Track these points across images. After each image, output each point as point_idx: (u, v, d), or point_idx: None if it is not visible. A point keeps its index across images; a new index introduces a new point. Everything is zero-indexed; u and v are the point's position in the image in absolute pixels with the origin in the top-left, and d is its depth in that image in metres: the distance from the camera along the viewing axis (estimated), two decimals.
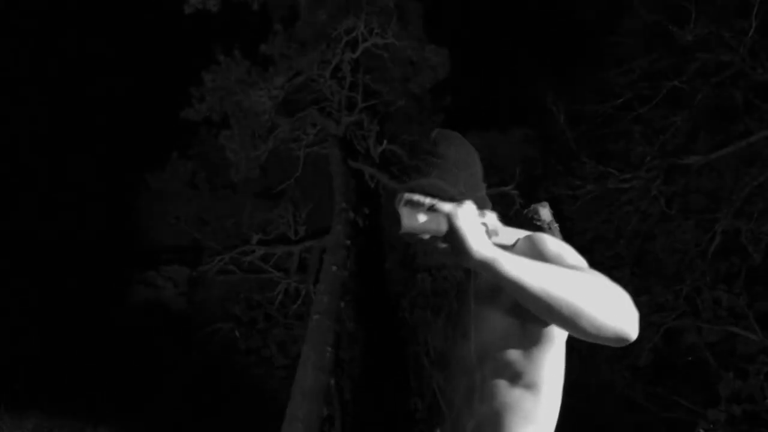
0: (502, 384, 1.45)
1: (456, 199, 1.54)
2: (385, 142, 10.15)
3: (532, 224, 1.62)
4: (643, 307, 9.17)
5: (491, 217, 1.59)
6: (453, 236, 1.28)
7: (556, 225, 1.47)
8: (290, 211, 11.15)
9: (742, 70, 8.46)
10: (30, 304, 11.77)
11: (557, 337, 1.47)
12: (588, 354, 9.98)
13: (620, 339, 1.26)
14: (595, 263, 1.37)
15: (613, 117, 9.22)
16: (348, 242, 9.95)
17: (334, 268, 9.77)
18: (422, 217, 1.45)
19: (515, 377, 1.45)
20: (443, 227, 1.29)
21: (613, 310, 1.24)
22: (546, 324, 1.44)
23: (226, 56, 9.79)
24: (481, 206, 1.57)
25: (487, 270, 1.27)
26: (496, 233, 1.52)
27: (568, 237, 1.51)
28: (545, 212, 1.63)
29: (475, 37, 11.15)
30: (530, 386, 1.45)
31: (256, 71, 9.84)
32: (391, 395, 12.01)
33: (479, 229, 1.26)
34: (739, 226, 8.72)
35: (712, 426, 8.73)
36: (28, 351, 11.41)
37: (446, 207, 1.52)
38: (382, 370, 12.10)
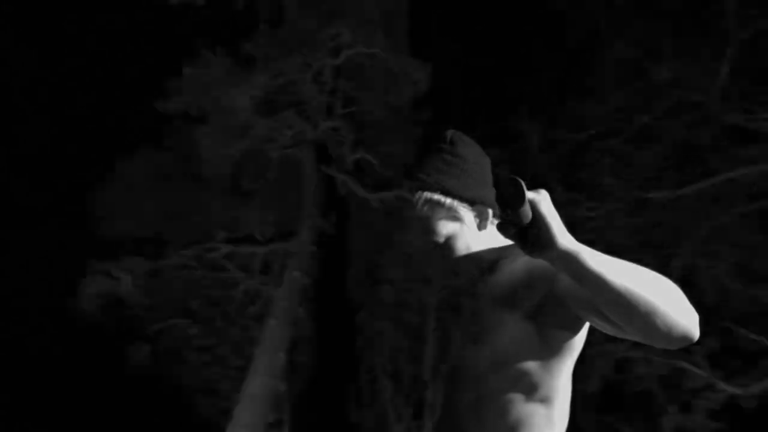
0: (517, 397, 1.36)
1: (476, 201, 1.51)
2: (360, 150, 10.17)
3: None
4: (598, 336, 9.32)
5: None
6: (537, 225, 1.13)
7: None
8: (259, 211, 11.07)
9: (712, 111, 8.70)
10: None
11: (577, 347, 1.40)
12: None
13: (687, 338, 1.20)
14: None
15: (584, 146, 9.40)
16: (313, 248, 9.93)
17: (297, 273, 9.73)
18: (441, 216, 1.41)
19: (531, 390, 1.37)
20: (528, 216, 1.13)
21: (682, 308, 1.18)
22: (569, 331, 1.36)
23: (208, 51, 9.73)
24: (495, 212, 1.55)
25: (569, 263, 1.15)
26: None
27: None
28: None
29: (458, 56, 11.27)
30: (545, 400, 1.38)
31: (237, 69, 9.79)
32: (341, 404, 11.96)
33: (559, 220, 1.14)
34: (698, 263, 8.94)
35: None
36: None
37: (466, 210, 1.49)
38: (334, 378, 12.04)
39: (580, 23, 9.38)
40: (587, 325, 1.38)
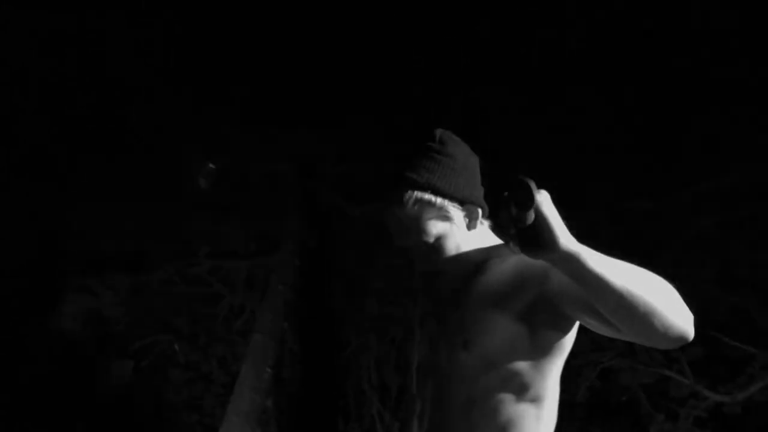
0: (508, 398, 1.36)
1: (465, 201, 1.51)
2: (342, 163, 10.17)
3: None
4: (583, 345, 9.36)
5: None
6: (540, 226, 1.12)
7: None
8: (242, 225, 11.01)
9: (692, 120, 8.80)
10: None
11: (567, 346, 1.41)
12: None
13: (683, 338, 1.21)
14: None
15: (565, 155, 9.46)
16: (297, 262, 9.88)
17: (281, 286, 9.68)
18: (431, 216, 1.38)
19: (522, 390, 1.37)
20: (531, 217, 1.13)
21: (679, 308, 1.21)
22: (560, 331, 1.37)
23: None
24: (485, 212, 1.54)
25: (570, 264, 1.15)
26: None
27: None
28: None
29: (442, 67, 11.33)
30: (535, 400, 1.39)
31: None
32: (329, 418, 11.87)
33: (561, 221, 1.14)
34: (680, 273, 9.01)
35: None
36: None
37: (456, 210, 1.47)
38: (322, 392, 11.96)
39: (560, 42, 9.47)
40: (577, 324, 1.39)
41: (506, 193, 1.11)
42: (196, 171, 9.90)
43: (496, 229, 1.18)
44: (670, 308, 1.19)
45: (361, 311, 11.19)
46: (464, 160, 1.56)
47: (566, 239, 1.14)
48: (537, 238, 1.12)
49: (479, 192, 1.55)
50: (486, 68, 10.47)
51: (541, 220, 1.11)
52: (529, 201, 1.07)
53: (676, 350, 9.17)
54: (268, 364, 9.35)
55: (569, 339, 1.40)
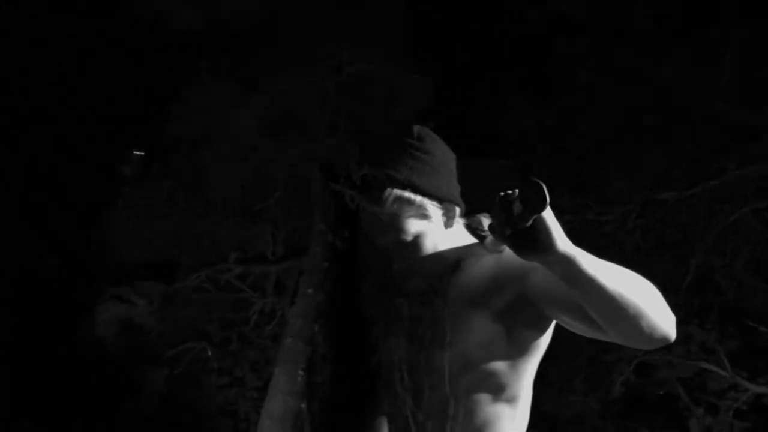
0: (485, 398, 1.36)
1: (444, 199, 1.49)
2: (366, 165, 10.17)
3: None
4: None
5: (486, 221, 1.53)
6: (538, 228, 1.10)
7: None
8: (269, 230, 11.09)
9: (717, 110, 8.65)
10: None
11: (543, 346, 1.40)
12: (559, 385, 9.99)
13: (666, 340, 1.21)
14: None
15: (591, 150, 9.37)
16: (325, 264, 9.91)
17: (310, 290, 9.72)
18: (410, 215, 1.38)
19: (498, 390, 1.36)
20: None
21: (663, 310, 1.19)
22: (538, 330, 1.36)
23: (210, 75, 9.80)
24: (462, 211, 1.53)
25: (566, 266, 1.13)
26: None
27: None
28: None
29: (459, 66, 11.28)
30: (511, 400, 1.38)
31: (239, 91, 9.85)
32: (363, 420, 11.88)
33: (558, 224, 1.13)
34: (713, 262, 8.86)
35: None
36: None
37: (435, 208, 1.47)
38: (354, 394, 11.98)
39: (583, 28, 9.38)
40: (553, 324, 1.38)
41: (510, 193, 1.08)
42: (121, 160, 9.72)
43: (492, 230, 1.14)
44: (656, 310, 1.18)
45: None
46: (442, 157, 1.54)
47: (563, 242, 1.12)
48: (535, 240, 1.11)
49: (456, 190, 1.53)
50: (501, 66, 10.43)
51: (540, 221, 1.10)
52: (542, 201, 1.06)
53: (713, 342, 9.02)
54: (300, 367, 9.39)
55: (545, 339, 1.39)
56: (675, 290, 9.04)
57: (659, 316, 1.18)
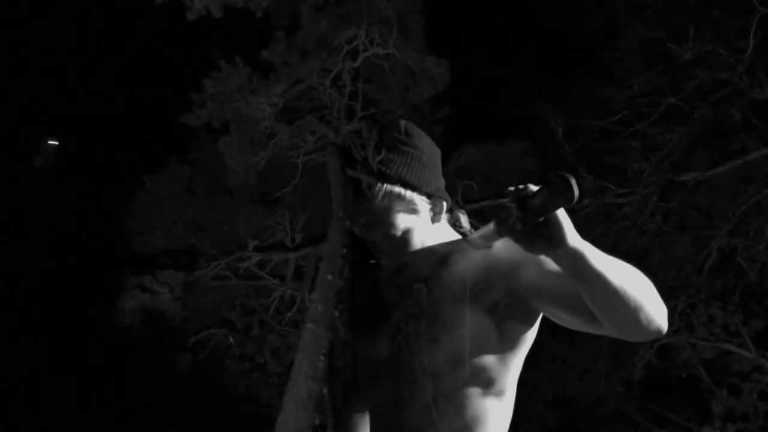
0: (475, 392, 1.35)
1: (432, 194, 1.49)
2: (383, 151, 10.15)
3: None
4: None
5: (465, 219, 1.54)
6: (550, 222, 1.10)
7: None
8: (287, 218, 11.13)
9: (739, 88, 8.51)
10: (23, 308, 11.74)
11: (530, 339, 1.40)
12: (581, 369, 9.97)
13: (660, 332, 1.23)
14: None
15: (611, 132, 9.27)
16: (344, 251, 9.94)
17: (330, 276, 9.75)
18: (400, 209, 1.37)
19: (488, 384, 1.36)
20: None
21: (658, 302, 1.21)
22: (527, 324, 1.37)
23: (227, 62, 9.81)
24: (449, 206, 1.52)
25: (574, 260, 1.14)
26: (471, 233, 1.44)
27: None
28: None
29: (476, 49, 11.20)
30: (499, 393, 1.38)
31: (256, 78, 9.85)
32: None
33: (568, 218, 1.13)
34: (735, 243, 8.75)
35: None
36: (21, 356, 11.36)
37: (424, 202, 1.46)
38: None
39: (600, 6, 9.24)
40: (540, 317, 1.38)
41: (522, 187, 1.08)
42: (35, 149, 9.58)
43: (499, 224, 1.13)
44: (652, 303, 1.19)
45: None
46: (429, 152, 1.53)
47: (573, 235, 1.13)
48: (547, 234, 1.11)
49: (442, 185, 1.53)
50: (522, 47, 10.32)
51: (554, 216, 1.10)
52: (571, 194, 1.05)
53: (736, 323, 8.93)
54: (322, 353, 9.46)
55: (533, 332, 1.39)
56: (697, 272, 8.95)
57: (655, 309, 1.20)
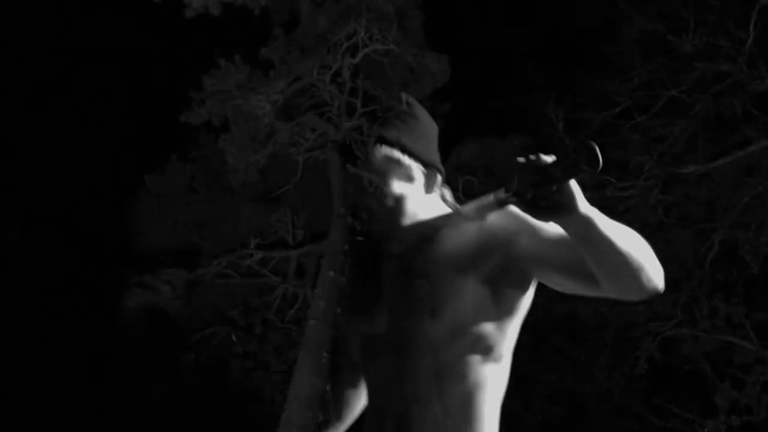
0: (475, 360, 1.38)
1: (429, 164, 1.50)
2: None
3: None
4: (641, 315, 9.17)
5: (448, 193, 1.55)
6: (565, 189, 1.12)
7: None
8: (289, 215, 11.13)
9: (740, 80, 8.48)
10: (24, 307, 11.74)
11: (526, 305, 1.42)
12: (584, 362, 9.97)
13: (657, 291, 1.27)
14: None
15: (611, 125, 9.24)
16: (345, 247, 9.94)
17: (331, 273, 9.76)
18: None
19: (487, 351, 1.39)
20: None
21: (655, 262, 1.25)
22: (522, 290, 1.39)
23: (226, 60, 9.80)
24: (443, 179, 1.53)
25: (584, 227, 1.17)
26: (454, 207, 1.47)
27: None
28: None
29: (475, 44, 11.17)
30: (498, 359, 1.41)
31: (256, 76, 9.84)
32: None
33: (577, 185, 1.16)
34: (737, 236, 8.73)
35: None
36: (23, 354, 11.37)
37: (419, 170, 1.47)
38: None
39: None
40: (535, 283, 1.41)
41: (534, 158, 1.10)
42: None
43: (514, 193, 1.15)
44: (651, 263, 1.24)
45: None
46: (429, 124, 1.55)
47: (583, 202, 1.15)
48: (558, 202, 1.14)
49: (438, 158, 1.53)
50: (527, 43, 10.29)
51: (566, 184, 1.13)
52: (596, 162, 1.08)
53: (740, 316, 8.92)
54: (325, 350, 9.47)
55: (528, 298, 1.42)
56: (699, 265, 8.94)
57: (654, 269, 1.24)
